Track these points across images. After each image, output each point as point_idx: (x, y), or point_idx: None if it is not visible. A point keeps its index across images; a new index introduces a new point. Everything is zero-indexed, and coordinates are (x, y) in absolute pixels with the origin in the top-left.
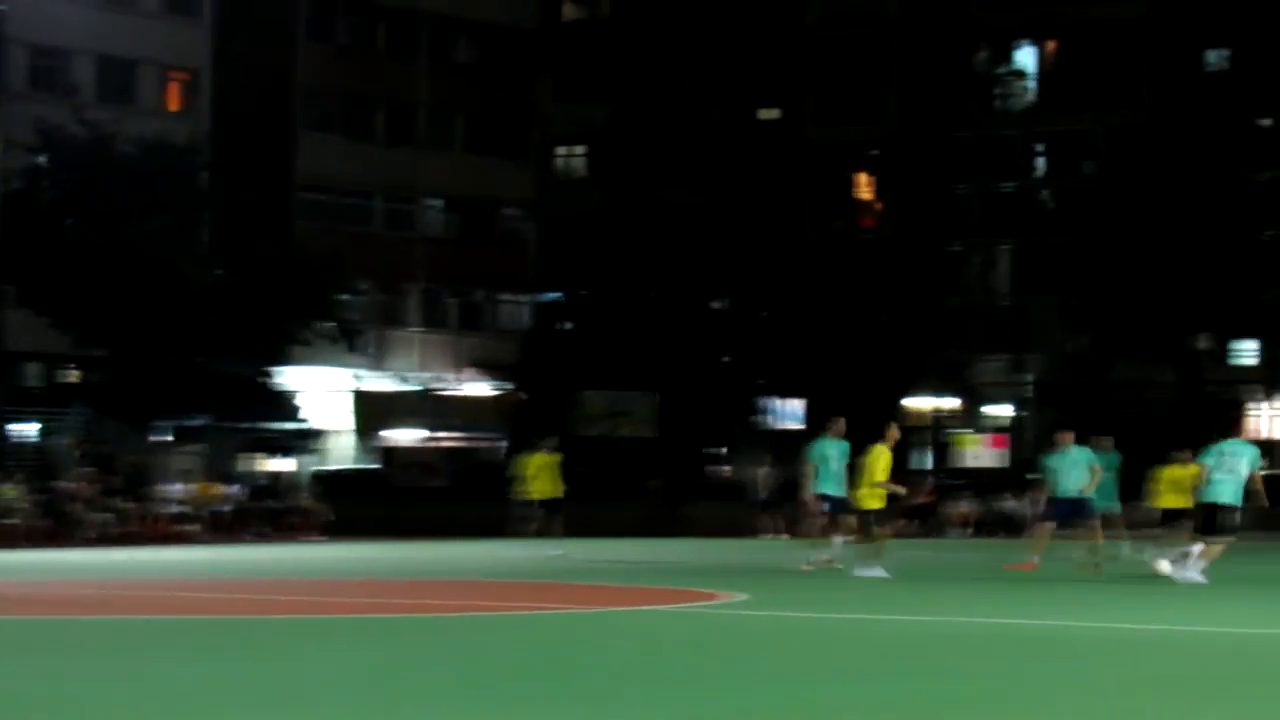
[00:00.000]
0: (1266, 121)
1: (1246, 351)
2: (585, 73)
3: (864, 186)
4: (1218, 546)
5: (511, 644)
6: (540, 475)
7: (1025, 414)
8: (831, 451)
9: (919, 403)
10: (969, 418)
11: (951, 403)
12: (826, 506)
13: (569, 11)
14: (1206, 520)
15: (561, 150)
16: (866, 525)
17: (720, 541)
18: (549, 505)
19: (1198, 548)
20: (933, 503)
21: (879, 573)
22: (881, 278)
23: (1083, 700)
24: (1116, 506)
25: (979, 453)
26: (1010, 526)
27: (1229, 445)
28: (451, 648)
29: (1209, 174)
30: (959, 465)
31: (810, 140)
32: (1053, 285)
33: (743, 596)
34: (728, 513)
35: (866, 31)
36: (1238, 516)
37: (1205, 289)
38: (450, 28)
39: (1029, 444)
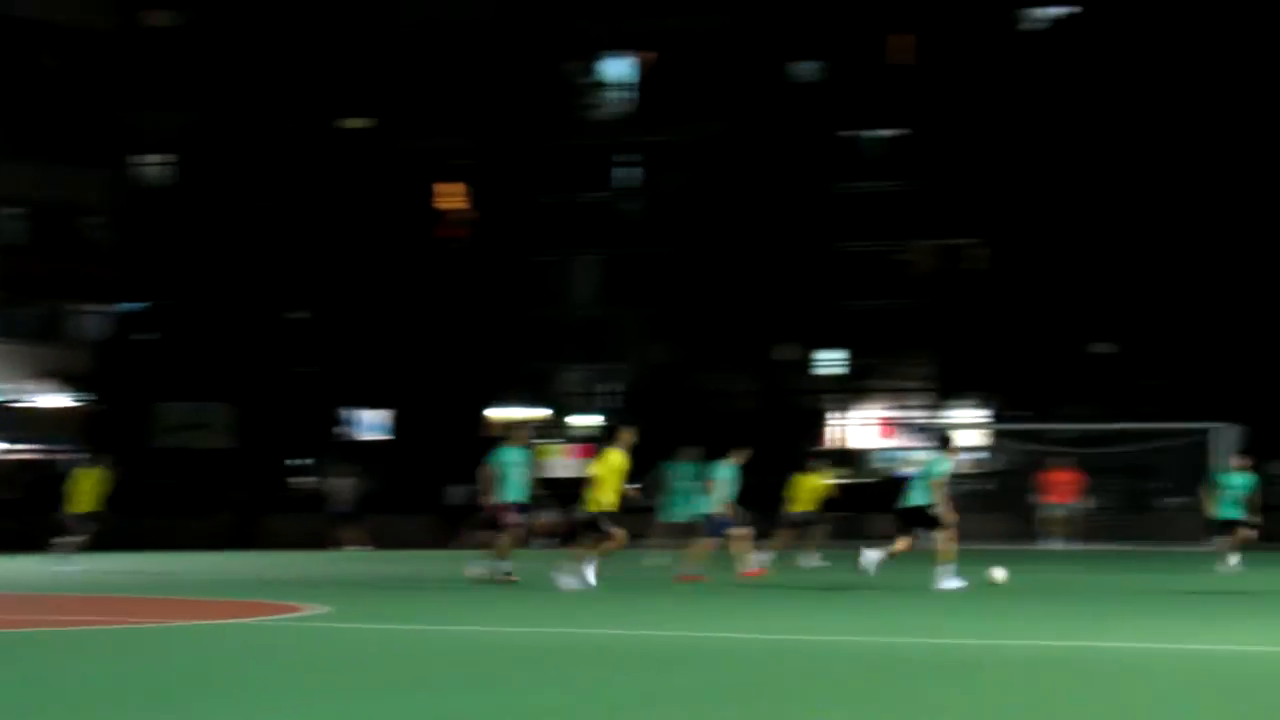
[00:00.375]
0: (850, 133)
1: (830, 361)
2: (166, 79)
3: (453, 196)
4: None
5: (79, 661)
6: (92, 490)
7: (612, 424)
8: (514, 458)
9: (506, 413)
10: (557, 428)
11: (539, 413)
12: (520, 515)
13: (149, 17)
14: (905, 523)
15: (142, 158)
16: (598, 528)
17: (303, 554)
18: (92, 519)
19: (875, 555)
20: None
21: (589, 580)
22: (469, 287)
23: (652, 712)
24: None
25: (566, 463)
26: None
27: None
28: (14, 666)
29: (793, 185)
30: (546, 475)
31: (398, 149)
32: (640, 296)
33: (324, 609)
34: (311, 525)
35: (456, 40)
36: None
37: (790, 299)
38: (26, 32)
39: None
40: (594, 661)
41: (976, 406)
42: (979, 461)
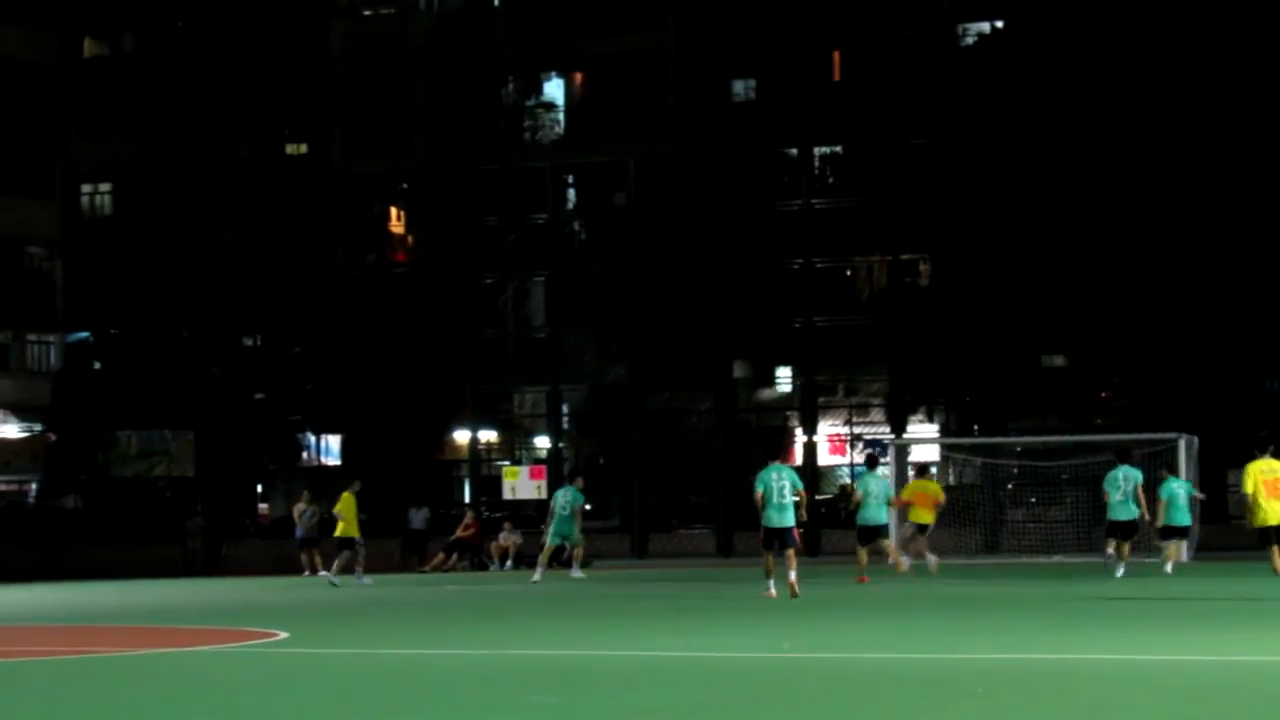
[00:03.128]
0: (793, 150)
1: (782, 378)
2: (109, 109)
3: (394, 220)
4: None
5: (40, 689)
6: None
7: (564, 445)
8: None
9: (459, 436)
10: (509, 449)
11: (491, 435)
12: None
13: (90, 47)
14: (768, 540)
15: (87, 188)
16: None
17: (261, 580)
18: None
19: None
20: (475, 536)
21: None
22: (416, 311)
23: None
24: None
25: (519, 484)
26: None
27: (776, 469)
28: None
29: (738, 203)
30: (500, 497)
31: (338, 175)
32: (587, 316)
33: (282, 635)
34: (269, 551)
35: (392, 65)
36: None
37: (740, 317)
38: None
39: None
40: (557, 682)
41: (931, 421)
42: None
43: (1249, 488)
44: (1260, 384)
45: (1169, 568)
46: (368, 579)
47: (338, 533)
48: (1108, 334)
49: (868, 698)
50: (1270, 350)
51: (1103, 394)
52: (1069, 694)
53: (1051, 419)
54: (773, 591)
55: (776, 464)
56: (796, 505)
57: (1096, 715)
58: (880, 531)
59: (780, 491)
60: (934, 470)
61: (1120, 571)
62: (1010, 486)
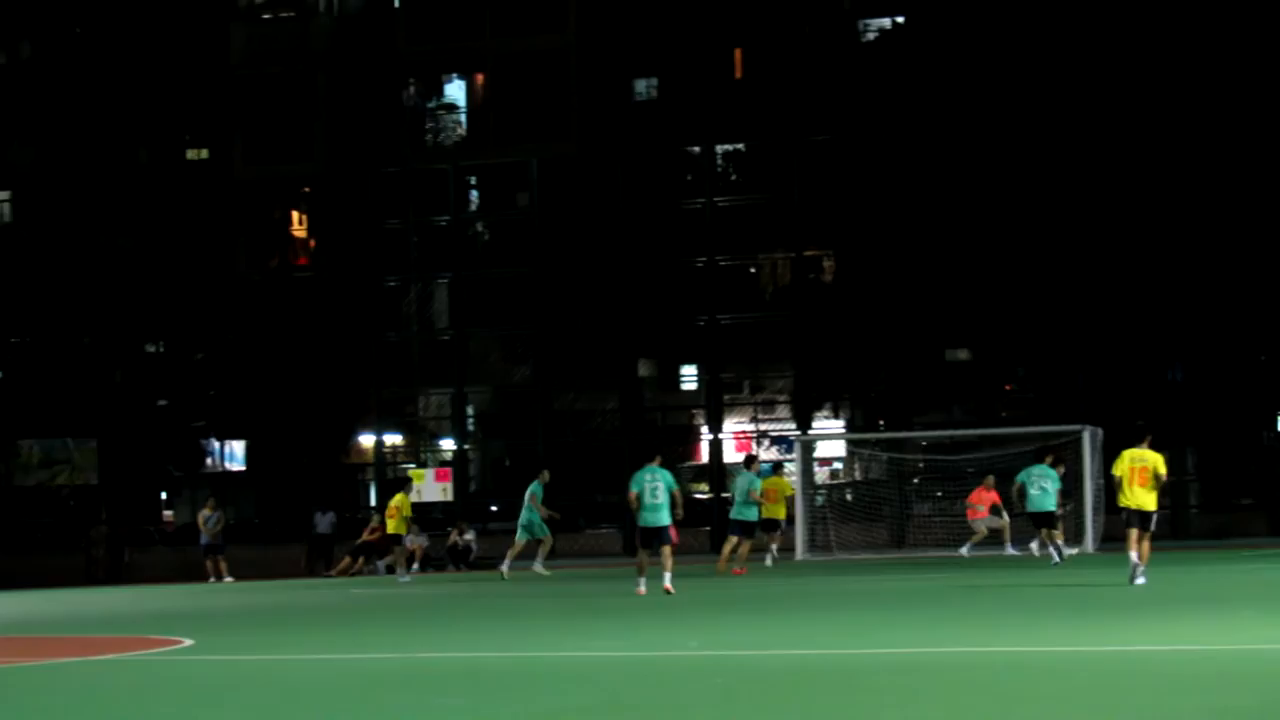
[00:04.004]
0: (696, 149)
1: (688, 377)
2: (7, 116)
3: (296, 224)
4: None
5: None
6: None
7: (469, 447)
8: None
9: (364, 439)
10: (415, 452)
11: (397, 438)
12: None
13: None
14: (645, 539)
15: None
16: None
17: (166, 587)
18: None
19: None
20: (379, 539)
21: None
22: (320, 315)
23: None
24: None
25: (425, 487)
26: (461, 560)
27: (650, 470)
28: None
29: (642, 202)
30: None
31: (239, 179)
32: (492, 317)
33: (188, 642)
34: (174, 558)
35: (292, 68)
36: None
37: (645, 316)
38: None
39: (476, 478)
40: (466, 685)
41: (837, 417)
42: (837, 472)
43: (1120, 471)
44: (1163, 375)
45: (1035, 550)
46: (407, 576)
47: (390, 530)
48: (1011, 327)
49: (778, 694)
50: (1172, 341)
51: (1006, 387)
52: (978, 686)
53: (957, 412)
54: (642, 589)
55: (651, 465)
56: (672, 505)
57: (1005, 706)
58: (748, 529)
59: (654, 492)
60: (789, 467)
61: (1057, 557)
62: (916, 481)
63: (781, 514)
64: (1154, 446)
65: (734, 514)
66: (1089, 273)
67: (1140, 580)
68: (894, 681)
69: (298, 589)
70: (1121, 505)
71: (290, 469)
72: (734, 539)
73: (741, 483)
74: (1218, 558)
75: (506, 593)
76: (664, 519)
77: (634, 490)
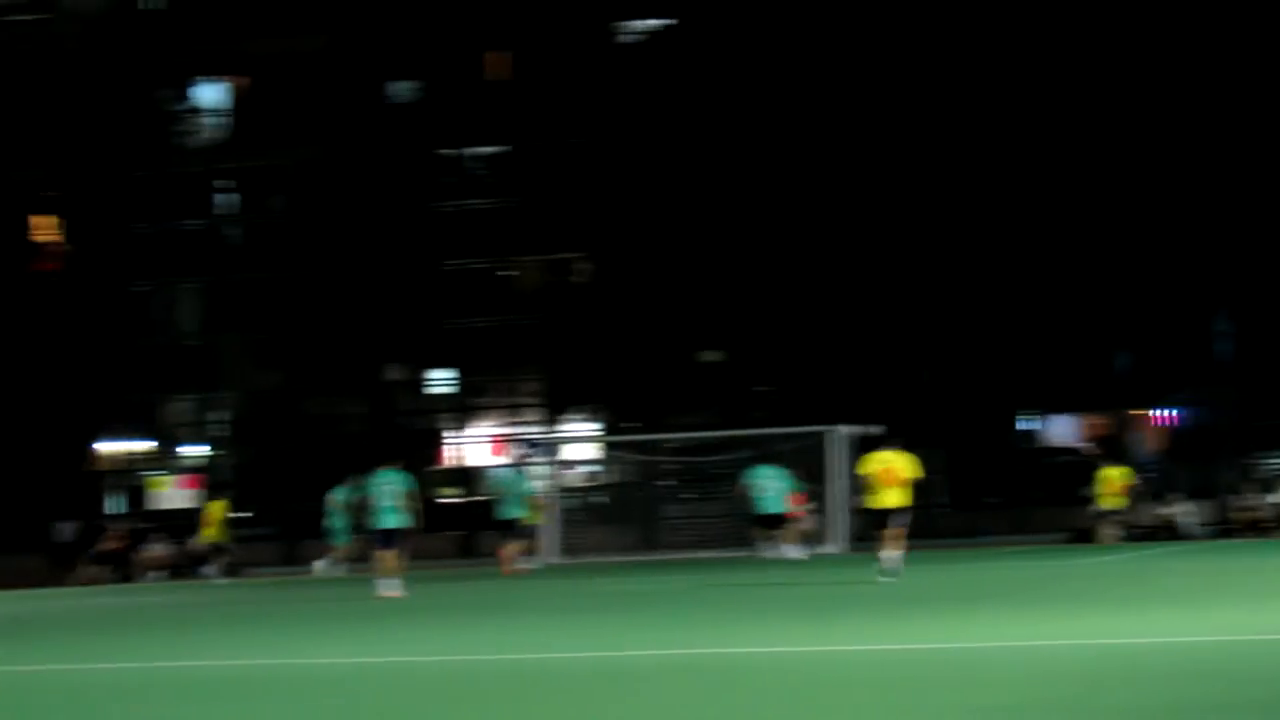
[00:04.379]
0: (450, 151)
1: (440, 381)
2: None
3: (44, 228)
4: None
5: None
6: None
7: (220, 453)
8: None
9: (112, 446)
10: (164, 459)
11: (145, 445)
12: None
13: None
14: (382, 541)
15: None
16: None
17: None
18: None
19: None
20: (125, 547)
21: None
22: (66, 320)
23: None
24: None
25: (173, 494)
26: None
27: (384, 474)
28: None
29: (396, 205)
30: (154, 508)
31: None
32: (242, 322)
33: None
34: None
35: (43, 70)
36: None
37: (397, 320)
38: None
39: (224, 484)
40: (226, 693)
41: (589, 420)
42: (592, 475)
43: (869, 471)
44: (916, 375)
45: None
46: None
47: (204, 537)
48: (762, 328)
49: (540, 698)
50: (921, 343)
51: (757, 388)
52: (728, 687)
53: (709, 414)
54: (389, 591)
55: (385, 469)
56: (408, 508)
57: (756, 706)
58: (511, 526)
59: (388, 495)
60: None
61: (794, 553)
62: (666, 483)
63: (541, 519)
64: (904, 448)
65: (503, 513)
66: (838, 275)
67: (890, 579)
68: (615, 687)
69: (40, 599)
70: (870, 506)
71: (30, 476)
72: (512, 541)
73: (509, 482)
74: (966, 556)
75: (247, 600)
76: (394, 521)
77: (370, 494)
